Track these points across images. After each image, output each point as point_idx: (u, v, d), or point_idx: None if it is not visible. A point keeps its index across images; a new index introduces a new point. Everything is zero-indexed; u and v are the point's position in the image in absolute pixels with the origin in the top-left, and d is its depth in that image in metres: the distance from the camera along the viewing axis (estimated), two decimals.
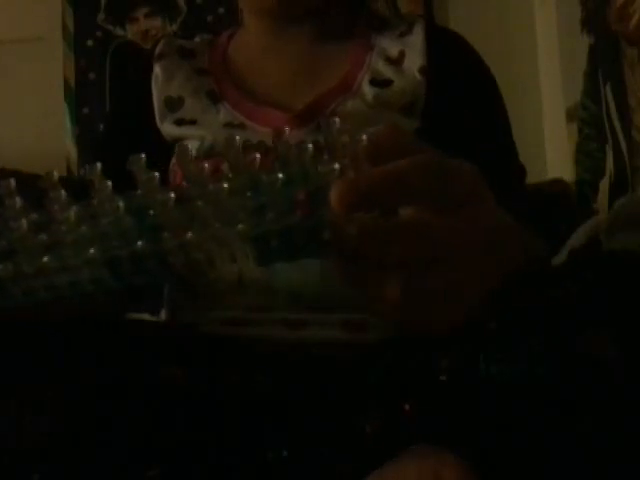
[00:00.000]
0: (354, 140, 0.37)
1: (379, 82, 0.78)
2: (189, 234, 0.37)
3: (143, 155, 0.37)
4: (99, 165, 0.38)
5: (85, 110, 2.16)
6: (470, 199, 0.40)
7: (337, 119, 0.38)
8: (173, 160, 0.76)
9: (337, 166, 0.36)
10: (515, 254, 0.49)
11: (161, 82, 0.81)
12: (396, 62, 0.79)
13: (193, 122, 0.78)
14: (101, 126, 2.10)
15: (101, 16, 2.19)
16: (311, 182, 0.36)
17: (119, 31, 2.19)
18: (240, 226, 0.36)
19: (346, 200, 0.36)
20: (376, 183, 0.37)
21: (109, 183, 0.38)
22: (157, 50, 0.84)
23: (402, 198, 0.38)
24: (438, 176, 0.38)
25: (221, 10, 2.13)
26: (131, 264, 0.38)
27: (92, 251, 0.38)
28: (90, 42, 2.18)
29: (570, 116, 1.78)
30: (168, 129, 0.79)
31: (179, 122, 0.78)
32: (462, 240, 0.39)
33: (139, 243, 0.37)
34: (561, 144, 1.83)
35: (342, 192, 0.36)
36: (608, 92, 1.56)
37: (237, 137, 0.37)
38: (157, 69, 0.82)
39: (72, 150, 2.11)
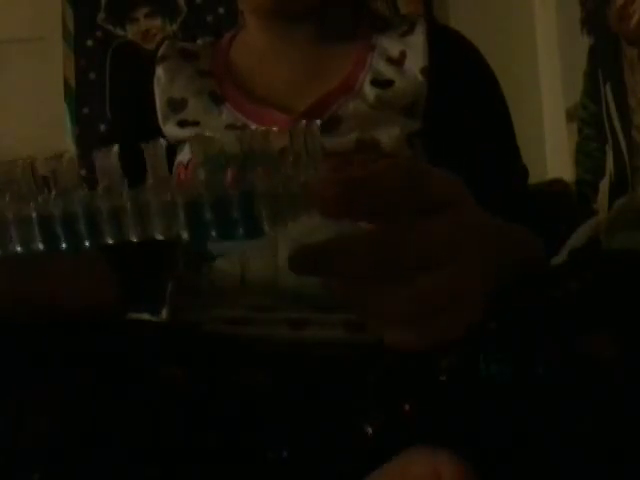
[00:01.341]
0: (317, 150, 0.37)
1: (380, 83, 0.78)
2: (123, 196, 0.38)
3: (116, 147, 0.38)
4: (67, 156, 0.38)
5: (85, 110, 2.16)
6: (450, 201, 0.39)
7: (303, 122, 0.37)
8: (176, 160, 0.76)
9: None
10: (507, 255, 0.48)
11: (164, 83, 0.81)
12: (397, 62, 0.79)
13: (196, 123, 0.78)
14: (101, 126, 2.10)
15: (101, 16, 2.19)
16: (246, 161, 0.37)
17: (119, 31, 2.19)
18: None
19: (328, 198, 0.35)
20: (353, 184, 0.36)
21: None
22: (159, 52, 0.84)
23: (379, 200, 0.36)
24: (414, 177, 0.37)
25: (221, 10, 2.13)
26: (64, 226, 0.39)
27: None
28: (90, 42, 2.18)
29: (570, 116, 1.78)
30: (171, 130, 0.79)
31: (182, 123, 0.78)
32: (448, 243, 0.38)
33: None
34: (561, 144, 1.83)
35: (323, 191, 0.35)
36: (608, 92, 1.56)
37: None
38: (159, 71, 0.82)
39: (72, 150, 2.11)
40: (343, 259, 0.36)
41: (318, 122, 0.38)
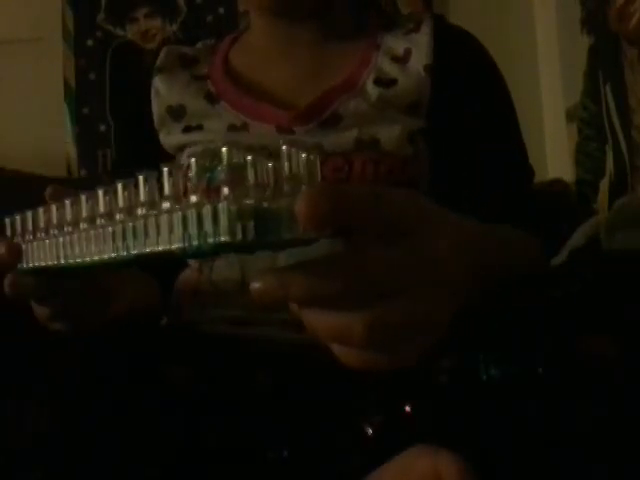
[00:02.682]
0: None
1: (384, 82, 0.77)
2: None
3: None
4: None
5: (85, 110, 2.15)
6: (407, 228, 0.39)
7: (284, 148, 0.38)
8: None
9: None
10: (495, 263, 0.49)
11: (161, 94, 0.81)
12: (402, 60, 0.78)
13: (200, 127, 0.78)
14: (101, 126, 2.10)
15: (101, 16, 2.18)
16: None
17: (119, 31, 2.18)
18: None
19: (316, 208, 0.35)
20: (328, 192, 0.36)
21: None
22: (158, 62, 0.84)
23: (347, 211, 0.37)
24: (376, 195, 0.38)
25: (221, 10, 2.13)
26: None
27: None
28: (90, 42, 2.18)
29: (570, 116, 1.78)
30: (173, 139, 0.79)
31: (186, 129, 0.78)
32: (405, 272, 0.39)
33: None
34: (561, 144, 1.82)
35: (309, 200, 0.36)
36: (608, 92, 1.56)
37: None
38: (157, 82, 0.82)
39: (72, 150, 2.11)
40: (302, 283, 0.38)
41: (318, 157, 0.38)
